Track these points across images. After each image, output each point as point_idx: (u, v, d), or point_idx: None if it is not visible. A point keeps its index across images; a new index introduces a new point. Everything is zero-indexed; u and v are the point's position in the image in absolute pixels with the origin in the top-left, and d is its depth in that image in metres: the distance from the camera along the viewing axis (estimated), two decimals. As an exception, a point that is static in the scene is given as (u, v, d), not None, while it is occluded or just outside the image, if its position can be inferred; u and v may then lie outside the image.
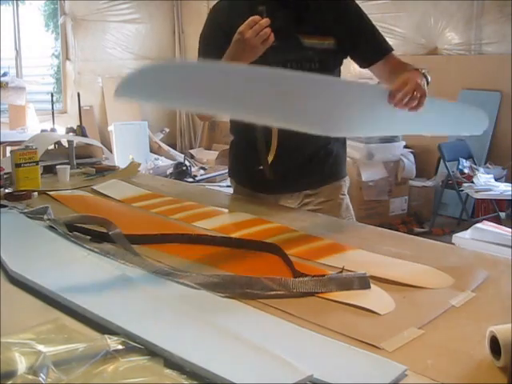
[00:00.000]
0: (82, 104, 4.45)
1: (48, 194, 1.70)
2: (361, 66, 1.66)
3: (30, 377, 0.64)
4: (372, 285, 0.97)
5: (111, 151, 5.51)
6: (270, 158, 1.55)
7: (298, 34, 1.50)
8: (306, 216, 1.53)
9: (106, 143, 5.78)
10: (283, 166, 1.58)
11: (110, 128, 6.13)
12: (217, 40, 1.49)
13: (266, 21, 1.32)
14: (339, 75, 1.66)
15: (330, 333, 0.81)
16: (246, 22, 1.33)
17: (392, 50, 1.60)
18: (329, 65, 1.56)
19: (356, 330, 0.82)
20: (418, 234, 3.82)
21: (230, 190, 1.85)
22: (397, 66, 1.54)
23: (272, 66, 1.48)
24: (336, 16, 1.49)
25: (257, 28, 1.31)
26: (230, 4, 1.58)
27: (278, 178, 1.60)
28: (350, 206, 1.70)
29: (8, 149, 4.37)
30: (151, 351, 0.73)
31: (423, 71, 1.39)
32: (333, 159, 1.65)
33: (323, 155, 1.63)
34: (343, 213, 1.66)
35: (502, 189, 3.94)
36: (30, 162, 1.76)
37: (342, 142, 1.71)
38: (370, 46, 1.59)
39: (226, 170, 2.01)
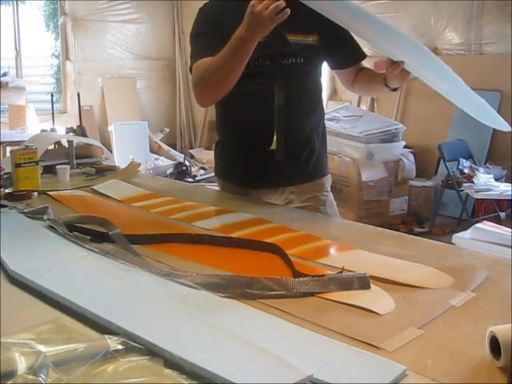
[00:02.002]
0: (81, 104, 4.45)
1: (48, 194, 1.70)
2: (332, 68, 1.73)
3: (30, 377, 0.64)
4: (372, 285, 0.97)
5: (111, 151, 5.51)
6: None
7: (283, 32, 1.53)
8: (306, 216, 1.53)
9: (106, 143, 5.78)
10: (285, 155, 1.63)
11: (110, 128, 6.13)
12: (209, 35, 1.51)
13: None
14: (321, 73, 1.72)
15: (330, 333, 0.81)
16: None
17: (365, 56, 1.68)
18: (313, 60, 1.63)
19: (356, 330, 0.82)
20: (418, 234, 3.82)
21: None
22: (367, 73, 1.67)
23: (259, 61, 1.55)
24: (319, 15, 1.50)
25: (267, 2, 1.30)
26: (218, 3, 1.62)
27: (274, 169, 1.65)
28: (334, 202, 1.76)
29: (8, 149, 4.38)
30: (151, 351, 0.73)
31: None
32: (316, 157, 1.71)
33: (308, 152, 1.68)
34: (328, 209, 1.71)
35: (502, 189, 3.94)
36: (30, 162, 1.76)
37: (323, 140, 1.76)
38: (347, 51, 1.67)
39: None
